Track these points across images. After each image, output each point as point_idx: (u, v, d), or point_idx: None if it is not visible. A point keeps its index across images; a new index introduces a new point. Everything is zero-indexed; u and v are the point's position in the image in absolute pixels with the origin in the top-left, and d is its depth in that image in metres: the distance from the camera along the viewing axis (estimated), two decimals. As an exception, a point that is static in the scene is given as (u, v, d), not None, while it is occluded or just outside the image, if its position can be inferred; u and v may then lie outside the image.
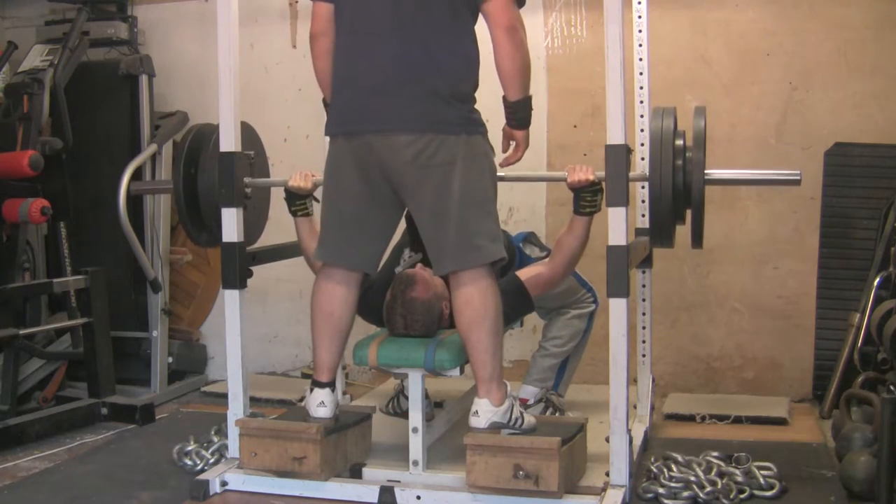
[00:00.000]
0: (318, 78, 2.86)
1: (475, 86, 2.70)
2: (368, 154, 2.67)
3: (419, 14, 2.60)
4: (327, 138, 2.83)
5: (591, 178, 2.81)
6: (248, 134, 3.26)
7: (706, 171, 2.81)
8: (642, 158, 3.32)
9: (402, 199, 2.73)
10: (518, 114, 2.72)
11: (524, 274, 3.00)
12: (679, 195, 2.83)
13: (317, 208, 2.96)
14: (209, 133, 3.20)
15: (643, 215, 3.38)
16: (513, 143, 2.82)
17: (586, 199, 2.85)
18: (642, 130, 3.37)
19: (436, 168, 2.61)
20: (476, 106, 2.69)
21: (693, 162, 2.81)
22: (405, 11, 2.60)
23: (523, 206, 4.27)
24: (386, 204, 2.75)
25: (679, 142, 2.85)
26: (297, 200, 3.07)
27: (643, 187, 3.30)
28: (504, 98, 2.69)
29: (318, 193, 2.96)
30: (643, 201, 3.37)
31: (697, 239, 2.91)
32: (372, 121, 2.65)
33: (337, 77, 2.76)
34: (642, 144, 3.35)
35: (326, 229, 2.82)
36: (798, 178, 2.88)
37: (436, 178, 2.62)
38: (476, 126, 2.67)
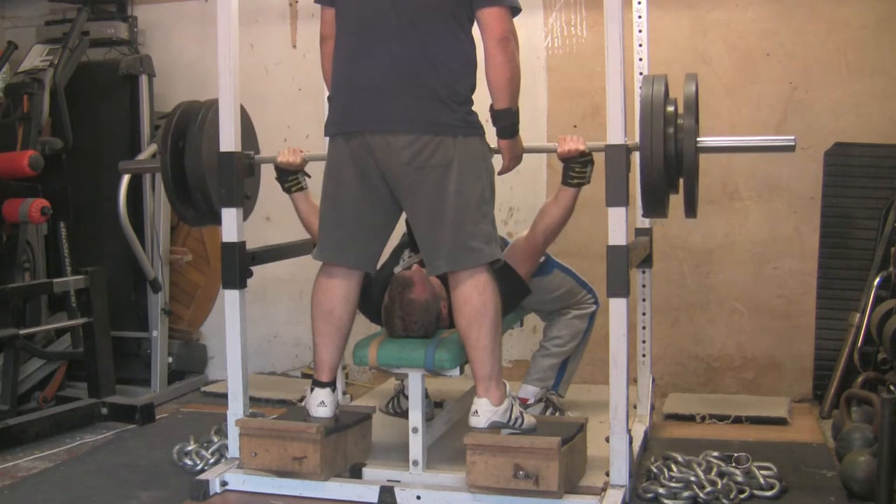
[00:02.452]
0: (325, 78, 2.89)
1: (473, 88, 2.70)
2: (366, 154, 2.68)
3: (418, 16, 2.60)
4: (327, 138, 2.83)
5: (582, 147, 2.82)
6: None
7: (699, 139, 2.76)
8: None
9: (398, 199, 2.74)
10: (500, 122, 2.71)
11: (504, 254, 3.00)
12: (671, 163, 2.77)
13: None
14: (196, 109, 3.20)
15: (643, 215, 3.38)
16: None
17: (575, 169, 2.86)
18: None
19: (432, 170, 2.62)
20: (474, 108, 2.69)
21: (685, 129, 2.76)
22: (404, 14, 2.61)
23: (523, 206, 4.27)
24: (384, 203, 2.76)
25: (670, 108, 2.79)
26: (289, 176, 3.11)
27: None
28: (490, 106, 2.70)
29: (309, 171, 2.96)
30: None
31: (691, 207, 2.87)
32: (370, 121, 2.66)
33: (336, 78, 2.76)
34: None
35: (325, 228, 2.83)
36: (792, 143, 2.79)
37: (432, 180, 2.63)
38: (473, 128, 2.67)
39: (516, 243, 3.15)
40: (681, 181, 2.84)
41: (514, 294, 3.02)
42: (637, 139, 2.77)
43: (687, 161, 2.75)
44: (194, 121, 3.15)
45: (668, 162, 2.75)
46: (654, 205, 2.84)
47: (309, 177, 3.08)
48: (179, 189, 3.16)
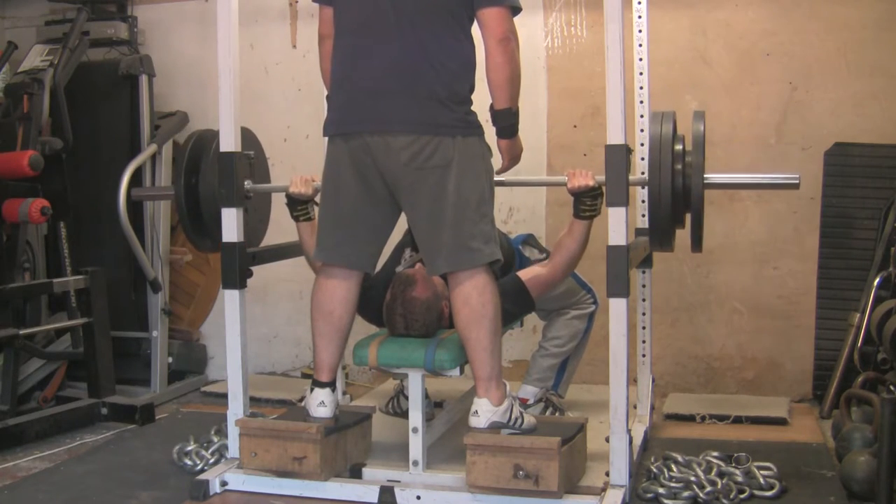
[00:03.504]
0: (324, 78, 2.89)
1: (472, 88, 2.70)
2: (365, 155, 2.68)
3: (417, 16, 2.60)
4: (326, 138, 2.83)
5: (591, 183, 2.81)
6: (249, 139, 3.26)
7: (705, 175, 2.81)
8: (642, 158, 3.32)
9: (397, 200, 2.74)
10: (500, 122, 2.71)
11: (525, 274, 3.02)
12: (678, 199, 2.82)
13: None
14: (209, 139, 3.21)
15: (643, 215, 3.39)
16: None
17: (586, 203, 2.85)
18: (642, 130, 3.37)
19: (431, 170, 2.62)
20: (473, 108, 2.69)
21: (692, 166, 2.80)
22: (403, 14, 2.60)
23: (523, 206, 4.27)
24: (383, 204, 2.75)
25: (678, 146, 2.85)
26: (299, 206, 3.09)
27: (643, 187, 3.29)
28: (490, 106, 2.69)
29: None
30: (643, 201, 3.37)
31: (697, 243, 2.91)
32: (369, 122, 2.66)
33: (335, 78, 2.76)
34: (642, 144, 3.36)
35: (324, 229, 2.82)
36: (797, 182, 2.86)
37: (431, 181, 2.62)
38: (472, 128, 2.67)
39: (538, 273, 3.04)
40: (687, 216, 2.88)
41: (519, 308, 3.02)
42: (644, 174, 2.81)
43: (694, 198, 2.79)
44: (207, 151, 3.19)
45: (675, 198, 2.81)
46: (661, 239, 2.91)
47: (318, 205, 3.08)
48: (195, 221, 3.22)
